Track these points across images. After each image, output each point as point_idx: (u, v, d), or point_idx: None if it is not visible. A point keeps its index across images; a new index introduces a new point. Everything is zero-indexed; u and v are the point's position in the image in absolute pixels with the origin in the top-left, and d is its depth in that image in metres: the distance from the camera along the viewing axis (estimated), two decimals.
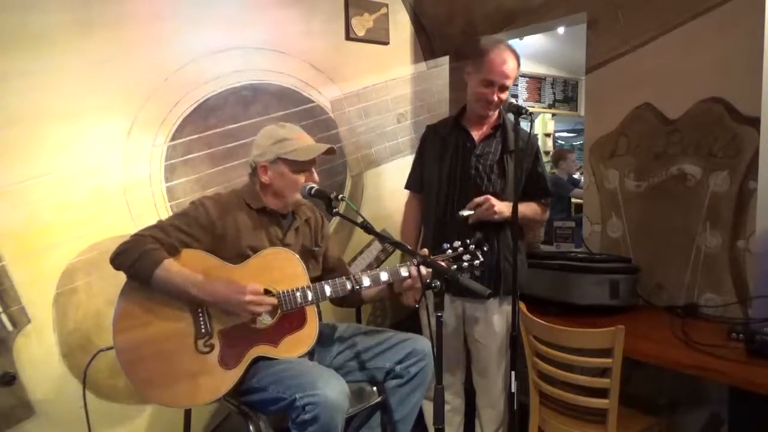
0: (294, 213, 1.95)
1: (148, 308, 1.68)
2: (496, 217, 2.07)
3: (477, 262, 1.89)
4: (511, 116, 1.95)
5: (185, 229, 1.74)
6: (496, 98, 2.10)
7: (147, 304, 1.68)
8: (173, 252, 1.71)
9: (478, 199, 2.08)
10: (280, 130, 1.88)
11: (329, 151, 1.89)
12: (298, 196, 1.86)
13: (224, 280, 1.69)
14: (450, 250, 1.88)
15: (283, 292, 1.79)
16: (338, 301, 2.00)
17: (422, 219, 2.37)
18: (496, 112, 2.20)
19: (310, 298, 1.81)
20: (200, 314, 1.72)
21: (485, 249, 1.92)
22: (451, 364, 2.32)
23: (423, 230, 2.36)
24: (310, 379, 1.62)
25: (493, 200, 2.07)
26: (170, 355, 1.68)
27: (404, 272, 1.87)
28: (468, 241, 1.90)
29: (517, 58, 2.15)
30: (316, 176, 1.88)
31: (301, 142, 1.86)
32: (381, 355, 1.92)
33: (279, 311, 1.78)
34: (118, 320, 1.66)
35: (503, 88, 2.11)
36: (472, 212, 2.08)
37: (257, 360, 1.75)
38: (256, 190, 1.88)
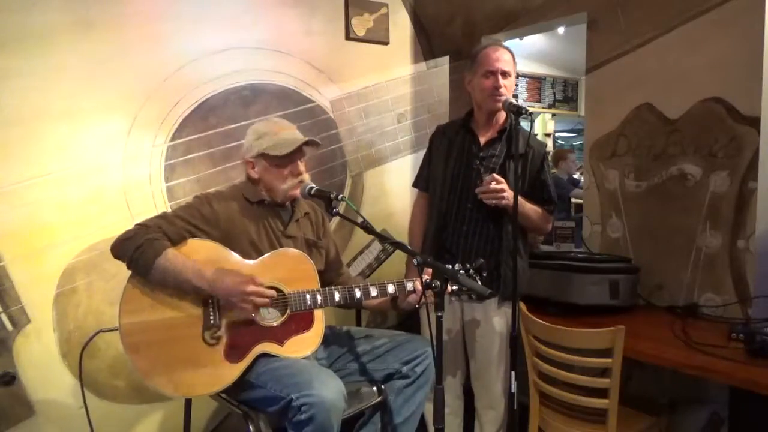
0: (293, 206, 1.96)
1: (158, 293, 1.68)
2: (498, 202, 2.06)
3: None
4: (512, 116, 1.95)
5: (190, 221, 1.75)
6: (501, 85, 2.10)
7: (157, 289, 1.68)
8: (179, 241, 1.71)
9: (495, 182, 2.07)
10: (261, 126, 1.90)
11: (313, 143, 1.88)
12: (287, 186, 1.85)
13: (231, 272, 1.69)
14: None
15: (294, 293, 1.80)
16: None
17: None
18: (504, 116, 2.20)
19: (319, 301, 1.82)
20: (210, 305, 1.72)
21: (485, 275, 1.93)
22: (451, 365, 2.32)
23: (426, 228, 2.35)
24: (306, 378, 1.62)
25: (507, 192, 2.06)
26: (176, 343, 1.67)
27: (410, 286, 1.88)
28: (468, 265, 1.90)
29: (510, 51, 2.17)
30: (301, 167, 1.87)
31: (281, 135, 1.85)
32: (384, 356, 1.92)
33: (288, 311, 1.79)
34: (126, 300, 1.66)
35: (505, 75, 2.12)
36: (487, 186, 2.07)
37: (258, 356, 1.75)
38: (254, 185, 1.90)
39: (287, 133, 1.87)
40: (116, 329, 1.65)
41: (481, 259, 1.92)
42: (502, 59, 2.12)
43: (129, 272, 1.68)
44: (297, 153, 1.86)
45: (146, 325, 1.66)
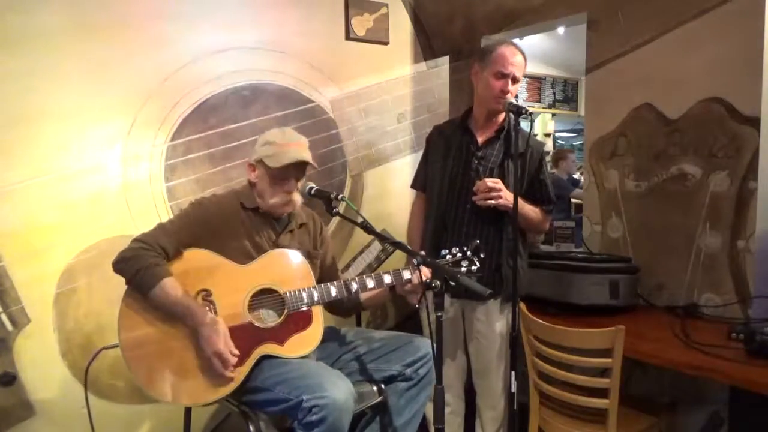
0: (289, 216, 1.95)
1: (154, 305, 1.68)
2: (497, 203, 2.06)
3: (474, 268, 1.90)
4: (511, 116, 1.95)
5: (188, 230, 1.75)
6: (509, 90, 2.09)
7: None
8: (177, 255, 1.72)
9: (489, 183, 2.07)
10: (274, 134, 1.87)
11: (308, 165, 1.85)
12: (274, 200, 1.84)
13: (214, 328, 1.66)
14: (449, 256, 1.88)
15: (290, 292, 1.79)
16: (337, 306, 2.00)
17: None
18: (502, 115, 2.20)
19: (316, 298, 1.82)
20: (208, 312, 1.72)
21: (482, 256, 1.93)
22: (452, 365, 2.33)
23: (424, 228, 2.35)
24: (317, 380, 1.63)
25: (504, 191, 2.06)
26: (177, 353, 1.68)
27: (407, 275, 1.87)
28: (465, 248, 1.91)
29: (524, 55, 2.16)
30: (293, 186, 1.84)
31: (285, 149, 1.81)
32: (385, 357, 1.92)
33: (286, 311, 1.79)
34: (123, 317, 1.67)
35: (515, 80, 2.11)
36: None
37: (261, 359, 1.75)
38: (251, 190, 1.89)
39: (293, 149, 1.83)
40: (117, 346, 1.66)
41: (476, 241, 1.92)
42: (516, 64, 2.10)
43: None
44: (293, 170, 1.83)
45: (146, 338, 1.67)
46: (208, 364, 1.68)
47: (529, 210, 2.14)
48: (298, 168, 1.85)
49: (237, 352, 1.69)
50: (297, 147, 1.85)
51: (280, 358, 1.76)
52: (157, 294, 1.65)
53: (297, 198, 1.88)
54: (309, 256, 1.97)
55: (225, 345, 1.66)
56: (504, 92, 2.09)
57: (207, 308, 1.72)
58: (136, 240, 1.71)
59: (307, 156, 1.84)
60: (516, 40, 3.28)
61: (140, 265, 1.65)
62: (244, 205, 1.86)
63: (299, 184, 1.88)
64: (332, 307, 1.99)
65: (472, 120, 2.27)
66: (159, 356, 1.66)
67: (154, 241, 1.70)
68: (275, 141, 1.84)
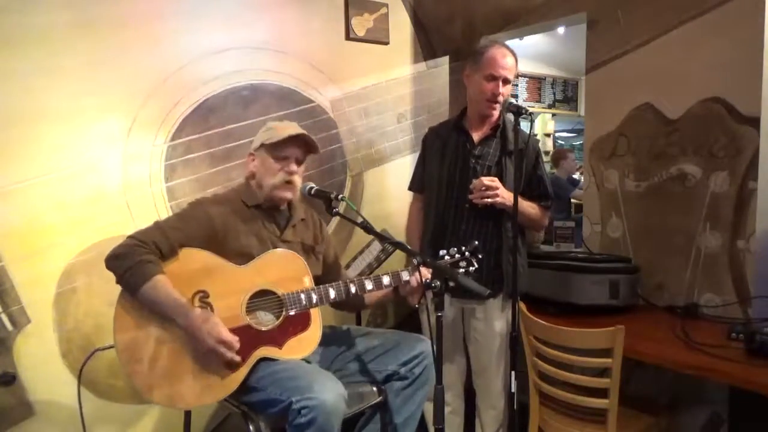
0: (290, 210, 1.95)
1: (144, 304, 1.66)
2: (494, 201, 2.07)
3: (472, 268, 1.90)
4: (511, 117, 1.95)
5: (185, 230, 1.74)
6: (501, 93, 2.10)
7: None
8: (172, 254, 1.70)
9: (486, 182, 2.07)
10: (273, 123, 1.94)
11: (310, 142, 1.87)
12: (275, 180, 1.84)
13: (211, 322, 1.64)
14: (447, 257, 1.88)
15: (288, 294, 1.79)
16: (340, 304, 2.00)
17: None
18: (497, 113, 2.20)
19: (314, 300, 1.81)
20: None
21: (480, 257, 1.93)
22: (452, 365, 2.33)
23: (423, 229, 2.35)
24: (306, 382, 1.61)
25: (501, 190, 2.07)
26: (174, 355, 1.66)
27: (405, 275, 1.87)
28: (464, 248, 1.91)
29: (515, 56, 2.16)
30: (293, 167, 1.86)
31: (283, 129, 1.87)
32: (382, 356, 1.91)
33: (284, 313, 1.78)
34: (119, 318, 1.65)
35: (506, 82, 2.12)
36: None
37: (257, 360, 1.75)
38: (251, 187, 1.90)
39: (291, 129, 1.88)
40: (112, 347, 1.64)
41: (475, 242, 1.92)
42: (507, 66, 2.11)
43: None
44: (293, 149, 1.86)
45: (142, 339, 1.64)
46: (205, 366, 1.67)
47: (527, 206, 2.15)
48: (298, 148, 1.87)
49: (237, 338, 1.67)
50: (296, 128, 1.88)
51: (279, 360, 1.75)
52: (147, 292, 1.62)
53: (298, 182, 1.88)
54: (312, 251, 1.97)
55: (227, 333, 1.64)
56: (495, 95, 2.11)
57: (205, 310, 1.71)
58: (130, 237, 1.69)
59: (305, 133, 1.87)
60: (516, 40, 3.29)
61: (131, 262, 1.62)
62: (245, 203, 1.86)
63: (300, 170, 1.89)
64: (337, 304, 1.98)
65: (466, 120, 2.27)
66: (158, 359, 1.64)
67: (149, 238, 1.67)
68: (274, 126, 1.90)
